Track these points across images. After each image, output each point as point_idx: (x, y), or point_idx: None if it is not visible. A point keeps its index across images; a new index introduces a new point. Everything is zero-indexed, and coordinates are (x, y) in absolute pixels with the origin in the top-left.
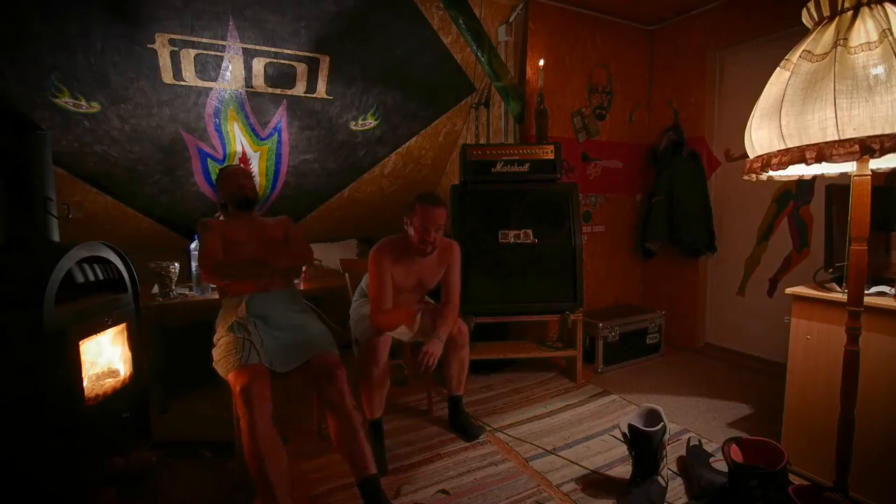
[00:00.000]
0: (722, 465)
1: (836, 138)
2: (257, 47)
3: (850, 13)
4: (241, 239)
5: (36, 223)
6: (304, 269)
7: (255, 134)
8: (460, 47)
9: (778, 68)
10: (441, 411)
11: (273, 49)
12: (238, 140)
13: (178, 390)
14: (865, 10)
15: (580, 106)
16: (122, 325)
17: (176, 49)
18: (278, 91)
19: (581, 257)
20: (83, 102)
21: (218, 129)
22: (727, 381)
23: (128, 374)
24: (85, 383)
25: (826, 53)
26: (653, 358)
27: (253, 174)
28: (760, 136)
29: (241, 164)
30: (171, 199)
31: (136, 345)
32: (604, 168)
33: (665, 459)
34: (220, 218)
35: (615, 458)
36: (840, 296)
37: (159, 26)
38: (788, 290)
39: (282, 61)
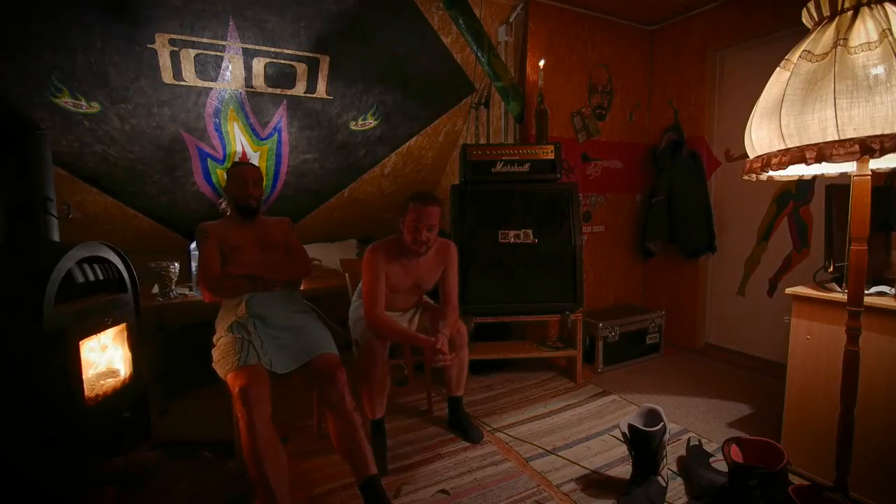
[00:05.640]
0: (722, 465)
1: (836, 138)
2: (257, 47)
3: (850, 13)
4: (240, 243)
5: (36, 223)
6: None
7: (255, 134)
8: (460, 47)
9: (778, 68)
10: (441, 411)
11: (273, 49)
12: (238, 140)
13: (177, 390)
14: (865, 10)
15: (580, 106)
16: (122, 325)
17: (176, 49)
18: (278, 91)
19: (581, 257)
20: (83, 102)
21: (218, 129)
22: (727, 381)
23: (128, 374)
24: (85, 383)
25: (826, 53)
26: (653, 358)
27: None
28: (760, 136)
29: (252, 164)
30: (171, 199)
31: (136, 345)
32: (604, 168)
33: (665, 459)
34: (223, 206)
35: (615, 458)
36: (840, 296)
37: (159, 26)
38: (788, 290)
39: (282, 61)
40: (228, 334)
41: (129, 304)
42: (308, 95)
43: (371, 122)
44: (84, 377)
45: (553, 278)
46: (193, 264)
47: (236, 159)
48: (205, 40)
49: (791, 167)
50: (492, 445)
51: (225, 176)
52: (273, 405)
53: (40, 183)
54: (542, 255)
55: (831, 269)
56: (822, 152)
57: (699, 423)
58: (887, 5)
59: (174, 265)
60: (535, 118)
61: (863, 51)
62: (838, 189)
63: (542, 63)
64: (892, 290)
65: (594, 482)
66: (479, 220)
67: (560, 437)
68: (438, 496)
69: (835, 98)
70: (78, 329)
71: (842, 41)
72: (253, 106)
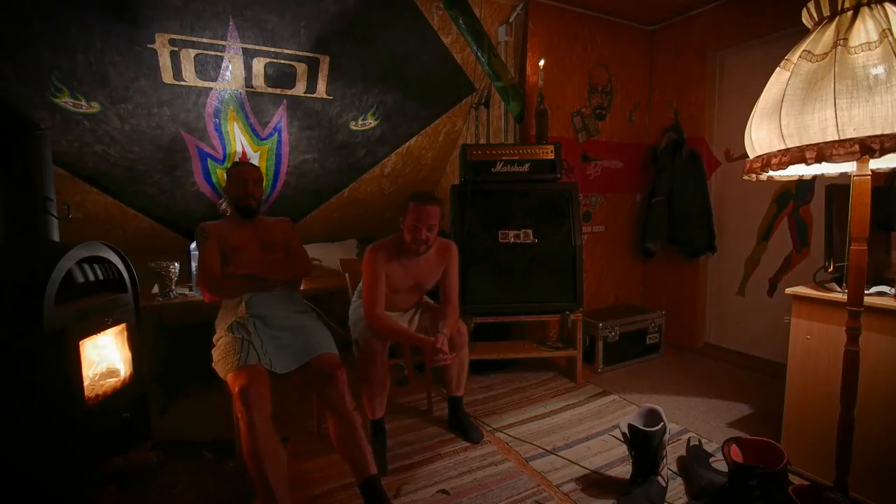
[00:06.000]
0: (722, 465)
1: (836, 138)
2: (257, 47)
3: (850, 13)
4: (241, 243)
5: (36, 223)
6: None
7: (255, 134)
8: (460, 47)
9: (778, 68)
10: (441, 411)
11: (273, 49)
12: (238, 140)
13: (178, 390)
14: (865, 10)
15: (580, 106)
16: (122, 325)
17: (176, 49)
18: (278, 91)
19: (581, 257)
20: (83, 102)
21: (218, 129)
22: (727, 381)
23: (128, 374)
24: (85, 383)
25: (826, 53)
26: (653, 358)
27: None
28: (760, 136)
29: (252, 164)
30: (171, 199)
31: (136, 345)
32: (604, 168)
33: (665, 459)
34: (223, 206)
35: (615, 458)
36: (840, 296)
37: (159, 26)
38: (788, 290)
39: (282, 61)
40: (228, 334)
41: (129, 304)
42: (308, 95)
43: (371, 122)
44: (84, 377)
45: (553, 278)
46: (193, 264)
47: (236, 159)
48: (205, 40)
49: (791, 167)
50: (492, 445)
51: (225, 176)
52: (273, 405)
53: (40, 183)
54: (542, 255)
55: (831, 269)
56: (822, 152)
57: (699, 423)
58: (887, 5)
59: (174, 265)
60: (535, 118)
61: (863, 51)
62: (838, 189)
63: (542, 63)
64: (892, 290)
65: (594, 482)
66: (479, 220)
67: (560, 437)
68: (438, 496)
69: (835, 98)
70: (78, 329)
71: (842, 41)
72: (253, 106)
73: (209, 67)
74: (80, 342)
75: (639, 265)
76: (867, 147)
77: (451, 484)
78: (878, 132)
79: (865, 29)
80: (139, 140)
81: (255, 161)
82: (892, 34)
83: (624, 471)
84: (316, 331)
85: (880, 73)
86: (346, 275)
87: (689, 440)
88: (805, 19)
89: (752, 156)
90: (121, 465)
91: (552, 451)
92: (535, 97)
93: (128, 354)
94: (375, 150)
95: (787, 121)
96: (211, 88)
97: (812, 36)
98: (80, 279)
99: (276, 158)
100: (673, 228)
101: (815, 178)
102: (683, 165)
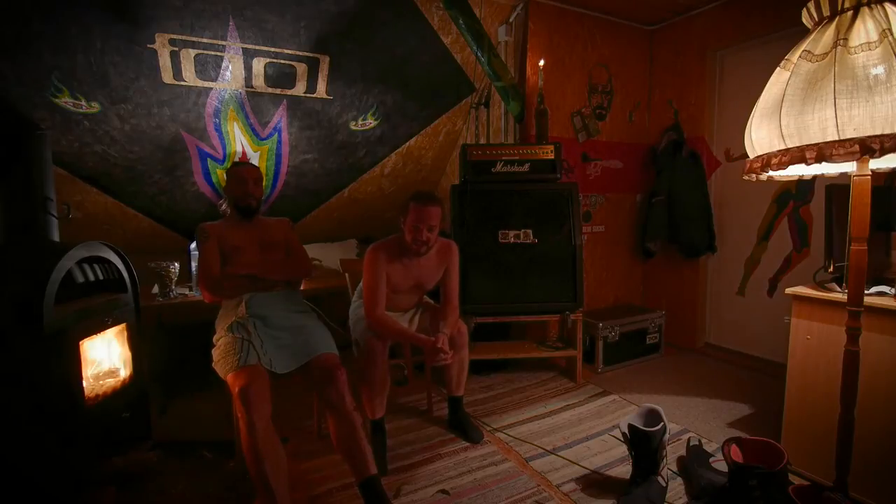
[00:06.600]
0: (722, 465)
1: (836, 138)
2: (257, 47)
3: (850, 13)
4: (240, 243)
5: (36, 223)
6: None
7: (255, 134)
8: (460, 47)
9: (778, 68)
10: (441, 411)
11: (273, 49)
12: (238, 140)
13: (177, 390)
14: (865, 10)
15: (580, 106)
16: (122, 325)
17: (176, 49)
18: (278, 91)
19: (581, 257)
20: (83, 102)
21: (218, 129)
22: (727, 381)
23: (128, 374)
24: (85, 383)
25: (826, 53)
26: (653, 358)
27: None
28: (760, 136)
29: (252, 164)
30: (170, 199)
31: (136, 345)
32: (604, 168)
33: (665, 459)
34: (223, 207)
35: (615, 458)
36: (840, 296)
37: (159, 26)
38: (788, 290)
39: (282, 61)
40: (228, 334)
41: (129, 304)
42: (308, 95)
43: (371, 122)
44: (84, 377)
45: (553, 278)
46: (193, 264)
47: (236, 159)
48: (205, 40)
49: (791, 167)
50: (492, 445)
51: (225, 176)
52: (273, 405)
53: (40, 183)
54: (541, 255)
55: (831, 269)
56: (822, 152)
57: (699, 423)
58: (887, 5)
59: (174, 265)
60: (535, 118)
61: (863, 51)
62: (838, 189)
63: (541, 63)
64: (892, 290)
65: (594, 482)
66: (479, 221)
67: (560, 437)
68: (438, 496)
69: (835, 98)
70: (78, 329)
71: (842, 41)
72: (253, 106)
73: (209, 67)
74: (80, 342)
75: (639, 265)
76: (867, 147)
77: (451, 484)
78: (878, 132)
79: (865, 29)
80: (139, 140)
81: (255, 161)
82: (892, 34)
83: (624, 471)
84: (316, 331)
85: (880, 73)
86: (346, 275)
87: (689, 440)
88: (805, 19)
89: (752, 156)
90: (121, 465)
91: (552, 451)
92: (535, 97)
93: (128, 354)
94: (375, 150)
95: (787, 121)
96: (211, 88)
97: (812, 36)
98: (80, 279)
99: (276, 158)
100: (673, 228)
101: (815, 178)
102: (683, 165)
